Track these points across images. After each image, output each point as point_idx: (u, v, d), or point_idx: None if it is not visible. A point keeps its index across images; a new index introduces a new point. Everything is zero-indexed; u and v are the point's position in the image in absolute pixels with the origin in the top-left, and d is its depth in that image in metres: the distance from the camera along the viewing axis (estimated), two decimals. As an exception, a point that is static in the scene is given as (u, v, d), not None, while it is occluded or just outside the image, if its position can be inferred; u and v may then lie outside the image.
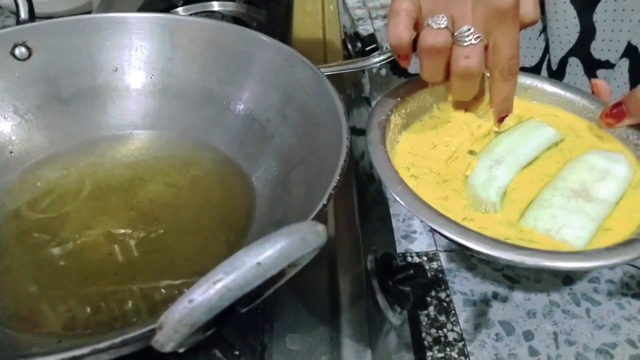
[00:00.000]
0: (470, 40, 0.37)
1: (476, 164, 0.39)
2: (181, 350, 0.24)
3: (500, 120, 0.42)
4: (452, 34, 0.38)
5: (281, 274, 0.25)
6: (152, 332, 0.21)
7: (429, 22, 0.37)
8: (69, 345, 0.23)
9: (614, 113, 0.39)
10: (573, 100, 0.44)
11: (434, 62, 0.39)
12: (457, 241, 0.32)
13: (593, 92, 0.44)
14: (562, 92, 0.44)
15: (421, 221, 0.35)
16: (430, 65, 0.40)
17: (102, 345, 0.23)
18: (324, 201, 0.31)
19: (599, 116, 0.41)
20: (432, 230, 0.34)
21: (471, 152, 0.42)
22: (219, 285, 0.20)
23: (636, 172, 0.38)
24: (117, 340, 0.23)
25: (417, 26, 0.39)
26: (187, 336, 0.21)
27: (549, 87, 0.45)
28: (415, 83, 0.44)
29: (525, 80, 0.45)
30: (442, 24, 0.37)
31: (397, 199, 0.35)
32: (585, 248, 0.33)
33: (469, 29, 0.37)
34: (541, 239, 0.34)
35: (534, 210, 0.35)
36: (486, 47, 0.39)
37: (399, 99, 0.43)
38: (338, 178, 0.32)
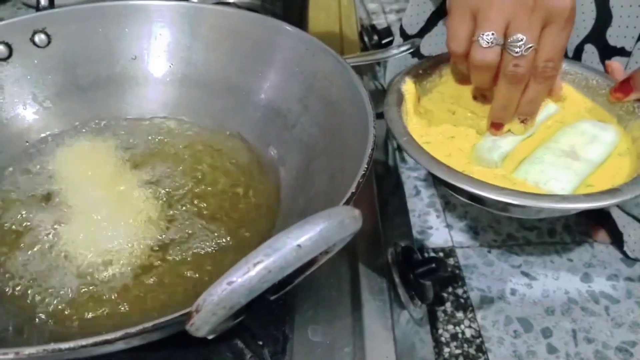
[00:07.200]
0: (521, 51, 0.37)
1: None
2: (211, 337, 0.24)
3: (497, 127, 0.42)
4: (504, 40, 0.38)
5: (312, 261, 0.25)
6: (188, 315, 0.21)
7: (478, 38, 0.38)
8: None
9: (622, 88, 0.42)
10: (588, 78, 0.45)
11: (482, 75, 0.40)
12: (452, 184, 0.36)
13: (607, 73, 0.45)
14: (578, 71, 0.46)
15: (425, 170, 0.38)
16: (479, 76, 0.41)
17: (134, 329, 0.22)
18: (352, 189, 0.31)
19: (608, 91, 0.44)
20: (431, 176, 0.38)
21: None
22: (259, 267, 0.19)
23: (624, 141, 0.41)
24: (149, 324, 0.22)
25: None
26: (224, 320, 0.21)
27: (563, 65, 0.46)
28: (435, 60, 0.48)
29: None
30: (491, 41, 0.37)
31: (403, 147, 0.39)
32: None
33: (521, 39, 0.37)
34: (531, 190, 0.37)
35: (525, 165, 0.39)
36: None
37: (420, 71, 0.46)
38: (366, 166, 0.32)
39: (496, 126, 0.42)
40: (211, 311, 0.20)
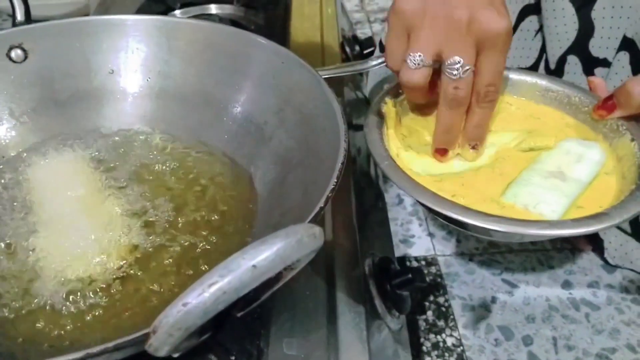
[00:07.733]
0: (459, 73, 0.37)
1: None
2: (176, 355, 0.24)
3: (442, 152, 0.41)
4: (441, 64, 0.37)
5: (278, 277, 0.25)
6: (146, 336, 0.21)
7: (407, 59, 0.37)
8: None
9: (606, 105, 0.41)
10: (570, 95, 0.45)
11: (412, 94, 0.41)
12: (435, 209, 0.34)
13: (590, 89, 0.45)
14: (559, 88, 0.45)
15: (410, 196, 0.37)
16: (410, 95, 0.42)
17: (96, 349, 0.22)
18: (321, 204, 0.31)
19: (591, 108, 0.43)
20: (419, 204, 0.36)
21: None
22: (213, 288, 0.19)
23: (610, 159, 0.41)
24: (111, 344, 0.22)
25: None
26: (182, 340, 0.21)
27: (544, 83, 0.46)
28: None
29: (521, 76, 0.46)
30: (418, 62, 0.37)
31: (385, 172, 0.37)
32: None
33: (459, 62, 0.36)
34: (520, 213, 0.36)
35: (514, 188, 0.38)
36: None
37: (400, 90, 0.44)
38: (335, 181, 0.32)
39: (440, 152, 0.40)
40: (167, 332, 0.20)
